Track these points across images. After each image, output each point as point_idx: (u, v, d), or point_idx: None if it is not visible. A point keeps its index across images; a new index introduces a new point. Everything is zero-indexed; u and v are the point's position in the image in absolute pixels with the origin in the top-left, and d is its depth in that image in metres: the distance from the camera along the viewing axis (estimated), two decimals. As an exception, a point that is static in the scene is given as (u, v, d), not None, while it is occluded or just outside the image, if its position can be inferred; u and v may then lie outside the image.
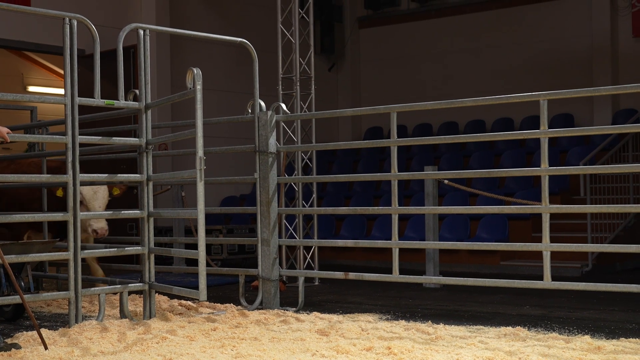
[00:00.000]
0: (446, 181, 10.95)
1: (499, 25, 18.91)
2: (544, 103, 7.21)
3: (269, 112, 8.64)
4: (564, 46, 18.01)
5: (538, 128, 7.31)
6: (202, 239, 6.56)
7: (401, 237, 13.15)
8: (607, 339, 6.44)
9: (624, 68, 17.45)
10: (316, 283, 11.30)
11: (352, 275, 8.38)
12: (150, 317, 7.61)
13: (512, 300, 9.03)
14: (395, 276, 8.13)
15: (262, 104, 8.74)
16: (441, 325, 7.16)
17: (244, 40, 8.84)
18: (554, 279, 7.21)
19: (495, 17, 18.97)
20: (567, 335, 6.61)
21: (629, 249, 7.27)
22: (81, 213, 7.33)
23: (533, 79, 17.65)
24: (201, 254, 6.54)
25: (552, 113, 16.31)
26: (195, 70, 6.76)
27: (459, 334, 6.69)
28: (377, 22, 20.62)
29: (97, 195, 8.72)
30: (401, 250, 8.32)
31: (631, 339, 6.33)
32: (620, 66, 17.53)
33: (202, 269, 6.54)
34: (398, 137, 8.28)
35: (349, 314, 8.01)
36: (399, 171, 8.28)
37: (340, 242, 9.47)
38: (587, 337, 6.35)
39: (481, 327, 7.15)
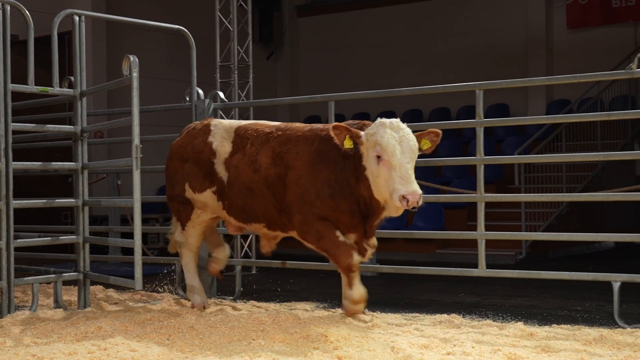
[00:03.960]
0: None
1: (438, 16, 19.06)
2: (479, 93, 7.29)
3: (207, 100, 8.60)
4: (500, 37, 18.23)
5: (474, 118, 7.38)
6: (138, 227, 6.51)
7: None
8: (540, 325, 6.55)
9: (558, 60, 17.74)
10: (254, 272, 11.29)
11: (289, 264, 8.38)
12: (85, 307, 7.53)
13: (447, 288, 9.13)
14: (330, 264, 8.15)
15: (200, 92, 8.68)
16: (377, 313, 7.21)
17: (181, 27, 8.77)
18: (488, 267, 7.31)
19: (434, 7, 19.12)
20: (501, 322, 6.71)
21: (561, 237, 7.41)
22: (380, 177, 6.07)
23: (470, 70, 17.85)
24: (137, 242, 6.49)
25: (488, 103, 16.53)
26: (131, 57, 6.68)
27: (395, 322, 6.75)
28: (316, 11, 20.64)
29: (404, 147, 6.05)
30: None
31: (563, 325, 6.46)
32: (555, 58, 17.81)
33: (138, 258, 6.49)
34: (336, 126, 8.27)
35: (286, 303, 8.02)
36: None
37: (277, 231, 9.44)
38: (520, 324, 6.45)
39: (417, 314, 7.22)
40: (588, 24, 17.63)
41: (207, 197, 7.15)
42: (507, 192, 14.43)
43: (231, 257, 11.51)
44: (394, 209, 6.15)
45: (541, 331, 6.18)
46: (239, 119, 11.65)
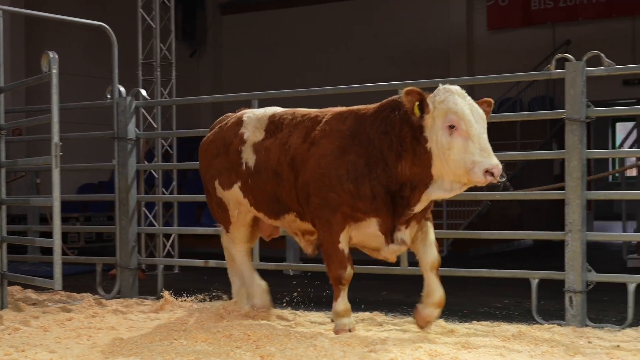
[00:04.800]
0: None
1: (361, 16, 19.16)
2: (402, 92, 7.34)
3: (128, 98, 8.50)
4: (423, 38, 18.43)
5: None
6: (57, 227, 6.40)
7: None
8: (460, 322, 6.65)
9: (479, 60, 18.02)
10: (176, 271, 11.20)
11: (212, 263, 8.34)
12: (2, 308, 7.36)
13: (371, 286, 9.18)
14: (255, 263, 8.13)
15: (122, 89, 8.57)
16: (301, 312, 7.22)
17: (102, 23, 8.65)
18: (411, 264, 7.38)
19: (357, 6, 19.23)
20: (423, 320, 6.76)
21: (482, 235, 7.51)
22: (453, 149, 5.33)
23: (393, 69, 17.98)
24: (56, 242, 6.38)
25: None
26: (51, 53, 6.57)
27: (318, 320, 6.77)
28: (240, 9, 20.58)
29: (476, 116, 5.40)
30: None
31: (482, 322, 6.56)
32: (476, 58, 18.09)
33: (58, 258, 6.39)
34: (259, 125, 8.26)
35: (209, 302, 7.97)
36: (260, 159, 8.26)
37: (200, 230, 9.42)
38: (441, 321, 6.52)
39: (340, 313, 7.23)
40: (508, 25, 17.95)
41: (237, 193, 6.55)
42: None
43: (153, 256, 11.42)
44: (452, 187, 5.46)
45: (461, 328, 6.27)
46: (161, 118, 11.55)
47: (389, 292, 8.74)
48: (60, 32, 16.10)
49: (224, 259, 8.27)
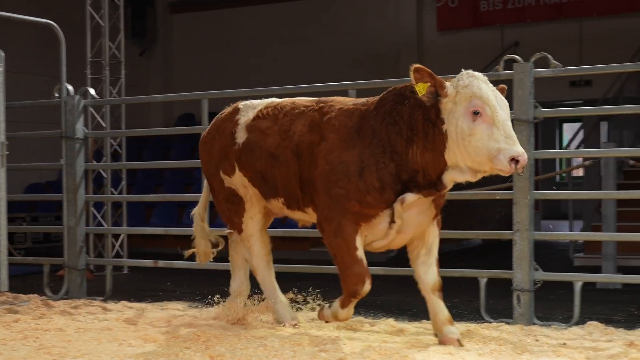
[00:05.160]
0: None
1: (314, 16, 19.19)
2: (352, 93, 7.39)
3: (76, 97, 8.41)
4: (374, 38, 18.51)
5: (346, 117, 7.44)
6: (3, 227, 6.34)
7: (212, 224, 13.10)
8: (410, 321, 6.68)
9: (429, 61, 18.07)
10: (125, 272, 11.11)
11: (161, 263, 8.29)
12: (-54, 310, 7.25)
13: (321, 286, 9.18)
14: (206, 263, 8.10)
15: (70, 88, 8.48)
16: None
17: (50, 22, 8.55)
18: (361, 264, 7.40)
19: (309, 7, 19.25)
20: (372, 319, 6.80)
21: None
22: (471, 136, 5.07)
23: (344, 69, 18.03)
24: (2, 242, 6.32)
25: (362, 103, 16.71)
26: (-4, 51, 6.48)
27: (270, 320, 6.75)
28: (190, 8, 20.48)
29: (499, 102, 5.19)
30: (215, 237, 8.29)
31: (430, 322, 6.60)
32: (426, 59, 18.17)
33: (4, 259, 6.32)
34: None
35: (158, 303, 7.92)
36: (210, 158, 8.23)
37: (149, 230, 9.37)
38: (391, 320, 6.56)
39: (290, 312, 7.23)
40: (458, 26, 18.11)
41: (240, 176, 6.23)
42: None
43: (101, 256, 11.32)
44: (467, 174, 5.21)
45: (411, 327, 6.31)
46: (110, 117, 11.44)
47: (339, 291, 8.74)
48: (8, 31, 15.86)
49: (174, 259, 8.24)
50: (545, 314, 6.87)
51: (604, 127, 16.59)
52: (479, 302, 6.78)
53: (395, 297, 8.26)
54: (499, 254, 13.23)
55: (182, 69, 20.56)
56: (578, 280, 6.57)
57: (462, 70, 5.28)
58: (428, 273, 5.79)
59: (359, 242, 5.57)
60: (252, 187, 6.19)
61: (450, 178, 5.29)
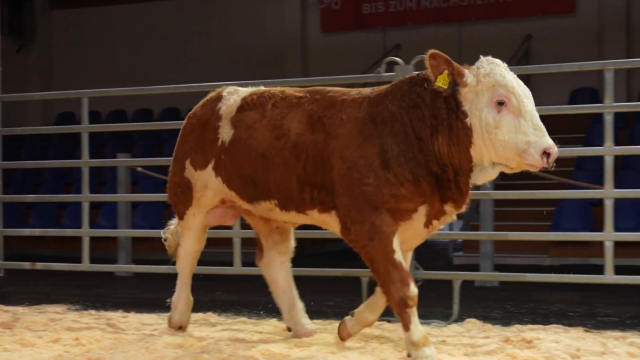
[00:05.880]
0: (139, 168, 10.85)
1: (197, 15, 19.07)
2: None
3: (-51, 94, 8.13)
4: (258, 39, 18.51)
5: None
6: None
7: (94, 225, 12.87)
8: (293, 321, 6.70)
9: (313, 62, 18.25)
10: (1, 274, 10.78)
11: (39, 265, 8.10)
12: None
13: (205, 287, 9.11)
14: (86, 265, 7.96)
15: (-58, 84, 8.19)
16: (132, 314, 7.10)
17: None
18: (245, 265, 7.40)
19: (193, 6, 19.11)
20: (256, 319, 6.80)
21: (313, 234, 7.61)
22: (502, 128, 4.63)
23: (228, 70, 17.97)
24: None
25: (246, 103, 16.70)
26: None
27: (150, 322, 6.68)
28: (70, 4, 20.05)
29: (524, 88, 4.74)
30: (94, 238, 8.17)
31: (315, 320, 6.59)
32: (310, 60, 18.30)
33: None
34: (91, 123, 8.10)
35: (36, 306, 7.71)
36: (91, 158, 8.11)
37: (27, 231, 9.14)
38: (274, 321, 6.58)
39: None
40: (341, 28, 18.27)
41: (209, 174, 5.66)
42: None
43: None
44: (485, 172, 4.83)
45: (294, 327, 6.33)
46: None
47: (222, 292, 8.72)
48: None
49: (52, 261, 8.04)
50: (426, 312, 7.00)
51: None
52: (361, 301, 6.85)
53: (278, 297, 8.26)
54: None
55: (62, 67, 20.10)
56: (457, 278, 6.73)
57: (481, 56, 4.88)
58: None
59: (396, 245, 4.93)
60: (228, 190, 5.61)
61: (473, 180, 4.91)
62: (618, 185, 12.41)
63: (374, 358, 5.13)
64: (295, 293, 6.01)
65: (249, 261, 6.11)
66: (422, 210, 4.92)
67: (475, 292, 8.86)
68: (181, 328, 6.07)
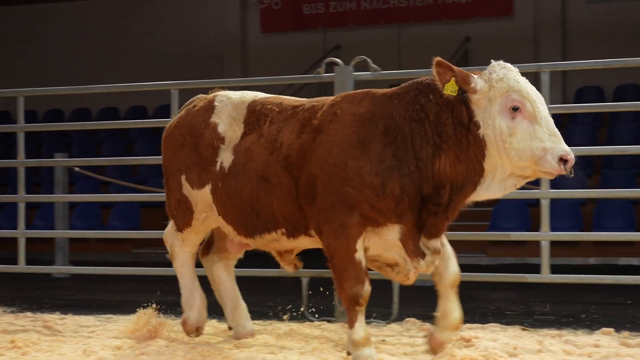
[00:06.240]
0: (77, 169, 10.71)
1: (135, 13, 18.91)
2: (174, 92, 7.36)
3: None
4: (197, 39, 18.43)
5: (169, 117, 7.38)
6: None
7: (30, 226, 12.68)
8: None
9: (253, 62, 18.22)
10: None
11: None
12: None
13: (144, 288, 9.05)
14: (22, 267, 7.86)
15: None
16: (70, 316, 7.01)
17: None
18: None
19: (129, 5, 18.93)
20: (196, 320, 6.75)
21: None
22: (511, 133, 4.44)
23: (167, 69, 17.82)
24: None
25: (183, 102, 16.62)
26: None
27: (88, 324, 6.61)
28: (3, 1, 19.69)
29: (537, 94, 4.57)
30: (30, 239, 8.06)
31: (255, 321, 6.55)
32: (250, 60, 18.27)
33: None
34: (27, 123, 7.99)
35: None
36: (27, 158, 8.00)
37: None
38: (214, 321, 6.54)
39: (111, 315, 7.10)
40: (281, 28, 18.26)
41: (208, 195, 5.37)
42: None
43: None
44: (505, 184, 4.59)
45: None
46: None
47: (162, 293, 8.66)
48: None
49: (12, 264, 7.92)
50: (366, 312, 7.02)
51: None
52: (301, 301, 6.86)
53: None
54: (321, 254, 13.48)
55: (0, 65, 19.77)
56: (396, 278, 6.75)
57: (492, 61, 4.68)
58: (447, 266, 5.05)
59: (360, 245, 4.79)
60: (226, 224, 5.38)
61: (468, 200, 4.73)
62: (602, 185, 12.75)
63: (314, 358, 5.14)
64: (238, 293, 5.96)
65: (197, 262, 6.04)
66: (395, 228, 4.75)
67: (415, 291, 8.90)
68: (198, 330, 5.77)
